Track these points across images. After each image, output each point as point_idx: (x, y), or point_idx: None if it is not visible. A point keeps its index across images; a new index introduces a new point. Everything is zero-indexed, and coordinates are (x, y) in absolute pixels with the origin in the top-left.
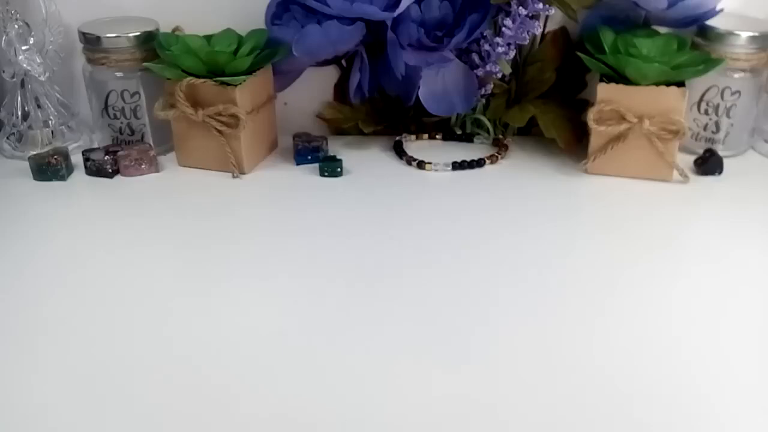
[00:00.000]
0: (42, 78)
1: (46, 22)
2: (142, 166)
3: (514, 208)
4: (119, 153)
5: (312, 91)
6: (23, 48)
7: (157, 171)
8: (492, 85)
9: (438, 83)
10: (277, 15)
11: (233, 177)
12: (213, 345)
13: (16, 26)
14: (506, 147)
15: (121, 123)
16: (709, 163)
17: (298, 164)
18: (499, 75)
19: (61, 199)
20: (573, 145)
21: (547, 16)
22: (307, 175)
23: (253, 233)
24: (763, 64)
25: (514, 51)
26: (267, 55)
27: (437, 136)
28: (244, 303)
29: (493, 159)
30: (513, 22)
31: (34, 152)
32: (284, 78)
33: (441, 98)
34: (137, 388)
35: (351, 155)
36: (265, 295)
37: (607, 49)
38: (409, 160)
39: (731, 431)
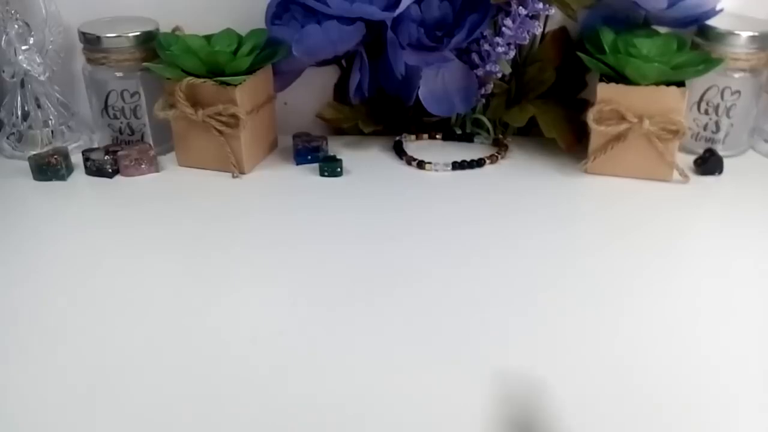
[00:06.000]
0: (42, 78)
1: (46, 22)
2: (142, 166)
3: (514, 207)
4: (119, 153)
5: (312, 91)
6: (23, 48)
7: (157, 171)
8: (492, 85)
9: (438, 83)
10: (277, 15)
11: (233, 177)
12: (213, 344)
13: (16, 26)
14: (506, 147)
15: (121, 123)
16: (709, 163)
17: (298, 164)
18: (499, 75)
19: (61, 199)
20: (573, 145)
21: (547, 16)
22: (307, 175)
23: (252, 233)
24: (763, 64)
25: (514, 51)
26: (267, 55)
27: (437, 136)
28: (243, 303)
29: (493, 159)
30: (513, 21)
31: (34, 152)
32: (284, 78)
33: (441, 98)
34: (136, 389)
35: (351, 155)
36: (265, 294)
37: (607, 49)
38: (409, 160)
39: (730, 430)
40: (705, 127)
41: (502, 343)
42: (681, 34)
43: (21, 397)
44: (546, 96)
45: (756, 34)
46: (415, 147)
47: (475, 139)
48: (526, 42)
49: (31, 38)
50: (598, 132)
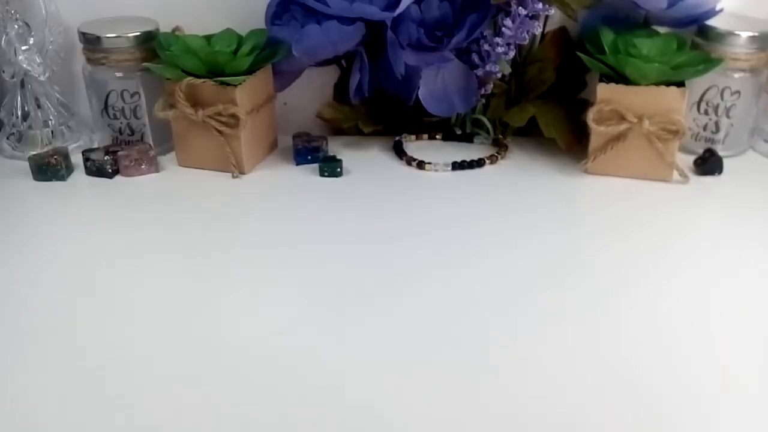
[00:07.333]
0: (42, 78)
1: (46, 22)
2: (142, 166)
3: (514, 208)
4: (119, 153)
5: (312, 91)
6: (23, 48)
7: (157, 171)
8: (492, 85)
9: (438, 83)
10: (277, 15)
11: (233, 177)
12: (213, 345)
13: (16, 26)
14: (506, 147)
15: (121, 123)
16: (708, 163)
17: (298, 164)
18: (499, 75)
19: (61, 199)
20: (573, 145)
21: (547, 16)
22: (307, 175)
23: (252, 233)
24: (763, 64)
25: (514, 51)
26: (267, 55)
27: (437, 136)
28: (243, 303)
29: (492, 159)
30: (513, 22)
31: (34, 152)
32: (284, 78)
33: (441, 98)
34: (136, 389)
35: (351, 155)
36: (265, 295)
37: (607, 49)
38: (409, 160)
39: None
40: (705, 127)
41: (502, 343)
42: (681, 34)
43: (21, 397)
44: (546, 96)
45: (756, 34)
46: (415, 147)
47: (475, 140)
48: (526, 42)
49: (31, 38)
50: (598, 132)
